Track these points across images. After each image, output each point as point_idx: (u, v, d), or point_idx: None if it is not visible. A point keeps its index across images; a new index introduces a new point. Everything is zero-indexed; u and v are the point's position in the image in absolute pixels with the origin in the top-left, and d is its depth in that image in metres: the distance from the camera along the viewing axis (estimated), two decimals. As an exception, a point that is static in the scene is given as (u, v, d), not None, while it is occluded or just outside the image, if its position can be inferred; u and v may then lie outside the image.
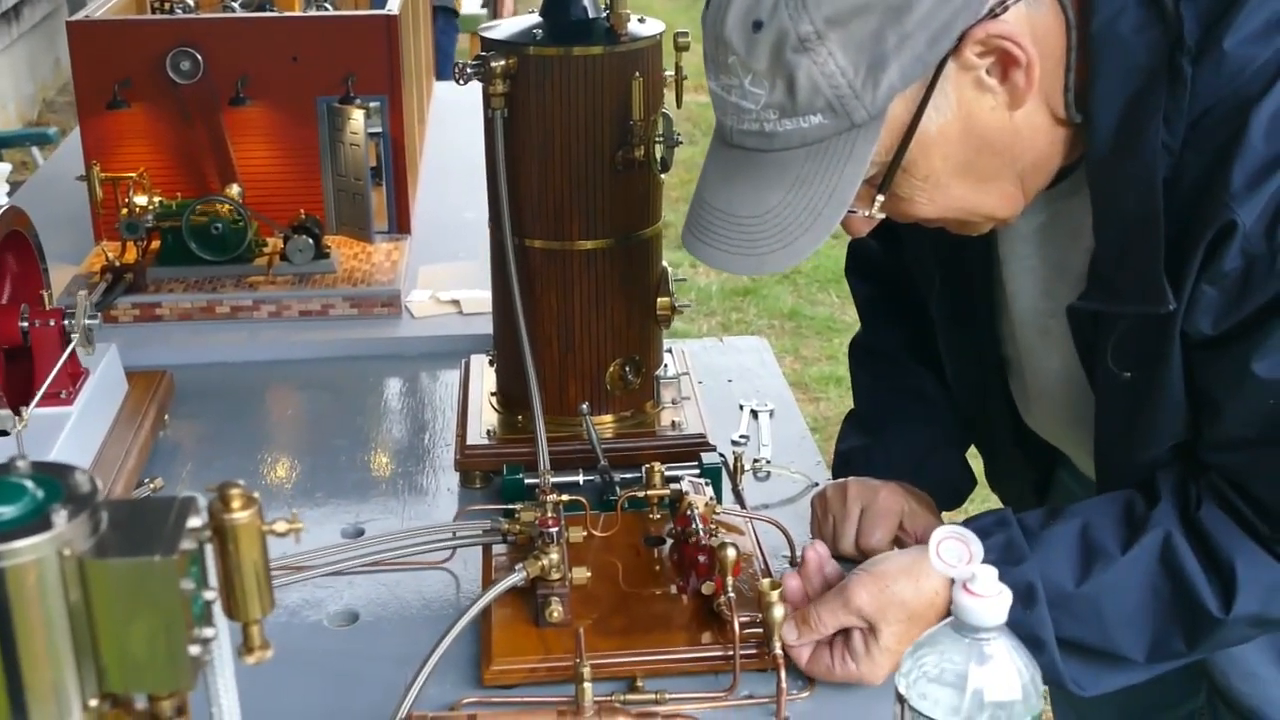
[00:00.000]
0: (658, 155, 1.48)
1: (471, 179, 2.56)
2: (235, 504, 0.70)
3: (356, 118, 2.03)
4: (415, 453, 1.66)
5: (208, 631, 0.68)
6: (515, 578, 1.25)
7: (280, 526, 0.72)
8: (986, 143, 1.11)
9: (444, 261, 2.17)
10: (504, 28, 1.51)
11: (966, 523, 1.17)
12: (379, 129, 2.14)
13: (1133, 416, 1.19)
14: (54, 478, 0.67)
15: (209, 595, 0.68)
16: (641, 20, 1.50)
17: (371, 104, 2.08)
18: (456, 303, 2.00)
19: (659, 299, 1.58)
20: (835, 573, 1.27)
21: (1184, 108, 1.06)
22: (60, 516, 0.63)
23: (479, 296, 2.00)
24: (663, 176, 1.52)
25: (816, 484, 1.57)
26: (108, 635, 0.66)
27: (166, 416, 1.68)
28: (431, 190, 2.45)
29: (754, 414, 1.73)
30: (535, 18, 1.52)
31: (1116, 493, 1.22)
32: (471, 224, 2.35)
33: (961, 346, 1.43)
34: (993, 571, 0.97)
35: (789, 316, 4.56)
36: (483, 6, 5.68)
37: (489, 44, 1.47)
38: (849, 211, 1.12)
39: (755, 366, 1.89)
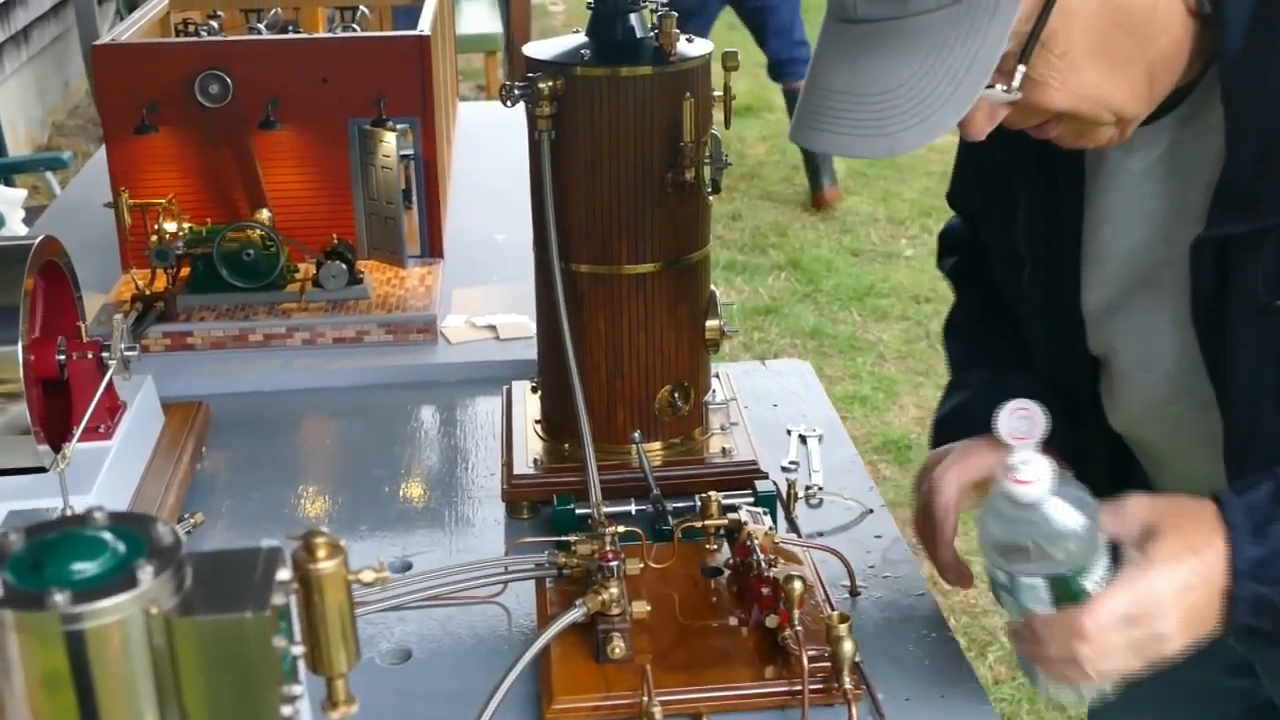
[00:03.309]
0: (707, 177, 1.44)
1: (500, 200, 2.55)
2: (321, 553, 0.67)
3: (389, 140, 2.00)
4: (457, 482, 1.63)
5: (296, 689, 0.65)
6: (576, 613, 1.21)
7: (367, 575, 0.69)
8: (1125, 17, 1.06)
9: (477, 285, 2.14)
10: (549, 48, 1.48)
11: (1233, 486, 1.12)
12: (408, 151, 2.11)
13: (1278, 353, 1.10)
14: (134, 530, 0.64)
15: (297, 650, 0.65)
16: (690, 40, 1.47)
17: (402, 126, 2.05)
18: (493, 328, 1.97)
19: (708, 323, 1.55)
20: None
21: None
22: (146, 573, 0.60)
23: (516, 321, 1.97)
24: (711, 199, 1.49)
25: (870, 510, 1.54)
26: (194, 696, 0.62)
27: (204, 449, 1.65)
28: (460, 212, 2.41)
29: (802, 439, 1.69)
30: (581, 37, 1.49)
31: None
32: (503, 246, 2.32)
33: (1054, 345, 1.36)
34: (1038, 458, 1.05)
35: (811, 335, 4.53)
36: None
37: (535, 64, 1.44)
38: (985, 88, 1.05)
39: (799, 390, 1.85)
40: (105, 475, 1.40)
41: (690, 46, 1.46)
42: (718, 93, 1.48)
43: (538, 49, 1.48)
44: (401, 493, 1.61)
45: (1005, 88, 1.07)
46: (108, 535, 0.63)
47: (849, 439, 1.72)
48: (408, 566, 1.44)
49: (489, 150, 2.85)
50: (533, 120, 1.45)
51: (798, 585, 1.20)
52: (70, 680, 0.60)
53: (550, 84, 1.41)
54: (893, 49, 1.04)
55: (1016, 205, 1.30)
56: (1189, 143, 1.15)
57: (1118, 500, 1.14)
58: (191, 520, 1.50)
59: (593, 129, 1.44)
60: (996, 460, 1.14)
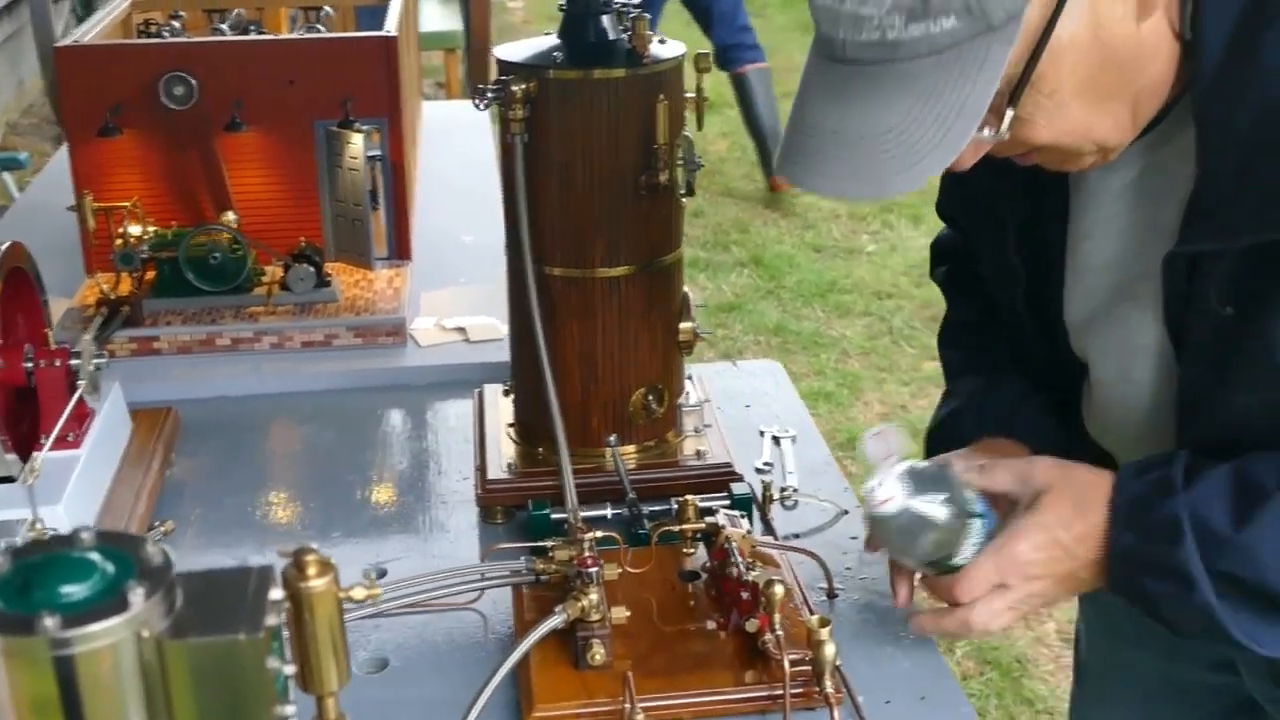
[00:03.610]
0: (681, 179, 1.44)
1: (466, 201, 2.54)
2: (311, 570, 0.66)
3: (356, 141, 1.98)
4: (430, 487, 1.61)
5: (288, 709, 0.64)
6: (556, 620, 1.21)
7: (358, 593, 0.68)
8: (1112, 55, 1.06)
9: (446, 287, 2.13)
10: (520, 50, 1.47)
11: (1138, 461, 1.17)
12: (375, 152, 2.09)
13: (1227, 360, 1.13)
14: (123, 550, 0.63)
15: (289, 670, 0.64)
16: (662, 41, 1.46)
17: (369, 127, 2.03)
18: (462, 330, 1.95)
19: (681, 325, 1.54)
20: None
21: None
22: (137, 595, 0.59)
23: (486, 323, 1.96)
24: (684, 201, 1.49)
25: (845, 511, 1.54)
26: (186, 719, 0.61)
27: (172, 455, 1.63)
28: (426, 213, 2.40)
29: (775, 440, 1.69)
30: (552, 39, 1.48)
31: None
32: (470, 248, 2.31)
33: (1047, 354, 1.37)
34: (891, 477, 1.17)
35: (775, 332, 4.53)
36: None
37: (508, 67, 1.43)
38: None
39: (771, 390, 1.85)
40: (74, 484, 1.38)
41: (663, 48, 1.45)
42: (689, 94, 1.48)
43: (509, 51, 1.47)
44: (373, 498, 1.60)
45: (994, 130, 1.07)
46: (96, 556, 0.62)
47: (822, 439, 1.72)
48: (383, 573, 1.43)
49: (452, 149, 2.84)
50: (505, 123, 1.44)
51: (779, 589, 1.20)
52: (59, 705, 0.58)
53: (523, 86, 1.41)
54: (882, 92, 1.04)
55: (1005, 223, 1.32)
56: (1165, 163, 1.16)
57: (1029, 460, 1.23)
58: (162, 529, 1.48)
59: (566, 131, 1.43)
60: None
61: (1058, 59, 1.04)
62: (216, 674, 0.60)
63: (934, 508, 1.19)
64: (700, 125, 1.52)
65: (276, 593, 0.63)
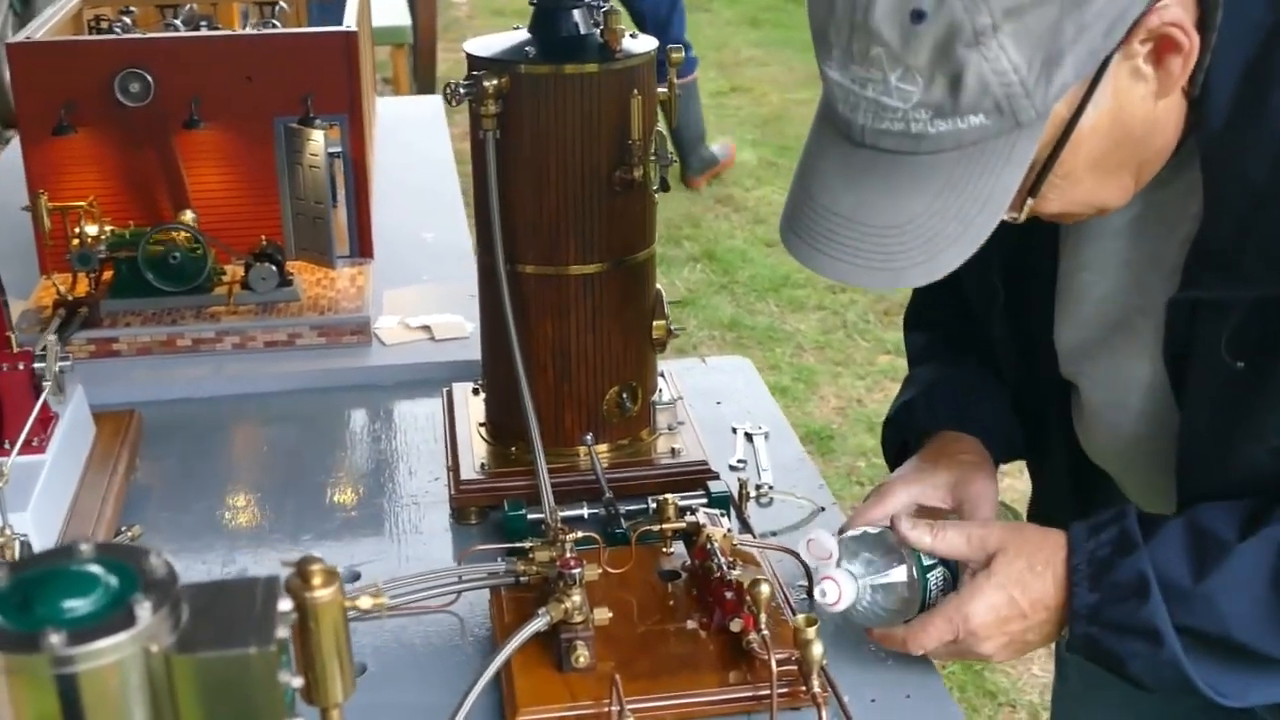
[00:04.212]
0: (655, 175, 1.43)
1: (422, 199, 2.52)
2: (316, 580, 0.65)
3: (316, 138, 1.96)
4: (400, 489, 1.59)
5: (298, 723, 0.62)
6: (539, 623, 1.19)
7: (365, 602, 0.66)
8: (1128, 133, 1.05)
9: (408, 285, 2.10)
10: (491, 44, 1.45)
11: (1089, 520, 1.16)
12: (336, 149, 2.07)
13: (1235, 411, 1.12)
14: (125, 561, 0.61)
15: (297, 683, 0.62)
16: (634, 36, 1.45)
17: (329, 123, 2.00)
18: (428, 328, 1.93)
19: (655, 322, 1.53)
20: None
21: None
22: (144, 608, 0.57)
23: (451, 321, 1.94)
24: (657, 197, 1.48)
25: (822, 508, 1.53)
26: (196, 738, 0.59)
27: (136, 459, 1.60)
28: (385, 211, 2.37)
29: (748, 437, 1.68)
30: (522, 34, 1.46)
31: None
32: (432, 246, 2.29)
33: (1023, 368, 1.38)
34: (831, 580, 1.21)
35: (729, 327, 4.53)
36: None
37: (479, 62, 1.41)
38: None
39: (741, 387, 1.84)
40: (41, 490, 1.35)
41: (635, 43, 1.44)
42: (664, 90, 1.47)
43: (480, 46, 1.45)
44: (343, 500, 1.57)
45: (1017, 217, 1.06)
46: (98, 569, 0.60)
47: (795, 436, 1.71)
48: (357, 576, 1.41)
49: (405, 146, 2.81)
50: (476, 119, 1.42)
51: (765, 589, 1.19)
52: (64, 725, 0.57)
53: (495, 82, 1.39)
54: (901, 182, 1.01)
55: (989, 245, 1.31)
56: (1166, 202, 1.15)
57: (980, 522, 1.25)
58: (129, 534, 1.46)
59: (538, 127, 1.41)
60: (947, 483, 1.32)
61: (1077, 146, 1.03)
62: (227, 688, 0.58)
63: (888, 577, 1.23)
64: (672, 121, 1.51)
65: (285, 603, 0.61)
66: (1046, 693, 2.80)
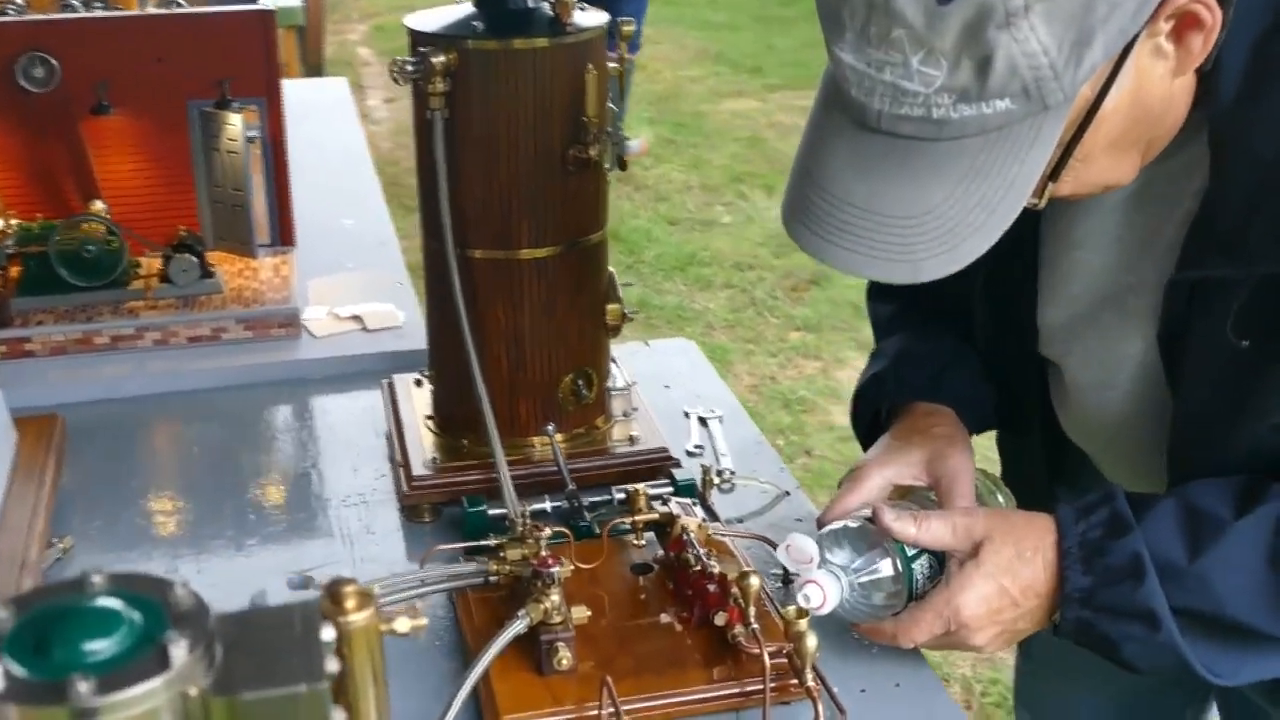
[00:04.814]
0: (611, 154, 1.37)
1: (336, 185, 2.43)
2: (350, 603, 0.58)
3: (234, 122, 1.87)
4: (344, 487, 1.52)
5: (342, 763, 0.56)
6: (519, 625, 1.13)
7: (402, 625, 0.61)
8: (1146, 112, 1.02)
9: (331, 274, 2.03)
10: (434, 19, 1.38)
11: (1076, 503, 1.13)
12: (254, 133, 1.98)
13: (1236, 390, 1.10)
14: (146, 594, 0.54)
15: (342, 717, 0.56)
16: (583, 8, 1.39)
17: (249, 107, 1.92)
18: (358, 319, 1.86)
19: (609, 306, 1.48)
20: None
21: None
22: (179, 647, 0.51)
23: (382, 310, 1.87)
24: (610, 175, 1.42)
25: (786, 493, 1.49)
26: (236, 786, 0.53)
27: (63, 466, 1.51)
28: (300, 199, 2.29)
29: (702, 421, 1.64)
30: (466, 7, 1.40)
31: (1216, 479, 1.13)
32: (352, 233, 2.22)
33: (1000, 347, 1.35)
34: (814, 583, 1.15)
35: (638, 307, 4.48)
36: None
37: (424, 38, 1.35)
38: None
39: (687, 369, 1.79)
40: (-31, 504, 1.26)
41: (586, 16, 1.38)
42: (614, 64, 1.41)
43: (422, 21, 1.38)
44: (284, 502, 1.50)
45: (1033, 204, 1.02)
46: (117, 603, 0.53)
47: (750, 418, 1.67)
48: (307, 582, 1.34)
49: (314, 132, 2.71)
50: (422, 98, 1.36)
51: (754, 581, 1.14)
52: (89, 782, 0.50)
53: (442, 59, 1.32)
54: (920, 171, 0.96)
55: None
56: (1167, 177, 1.12)
57: (963, 510, 1.20)
58: (61, 545, 1.37)
59: (488, 106, 1.35)
60: (922, 460, 1.27)
61: (1098, 126, 1.00)
62: (273, 733, 0.52)
63: (874, 574, 1.18)
64: (624, 95, 1.45)
65: (329, 632, 0.55)
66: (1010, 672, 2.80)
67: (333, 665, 0.54)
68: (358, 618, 0.59)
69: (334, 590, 0.58)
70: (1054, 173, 1.01)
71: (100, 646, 0.51)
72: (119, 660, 0.51)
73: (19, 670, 0.50)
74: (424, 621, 0.61)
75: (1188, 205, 1.10)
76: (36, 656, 0.51)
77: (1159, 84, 1.01)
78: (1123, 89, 0.99)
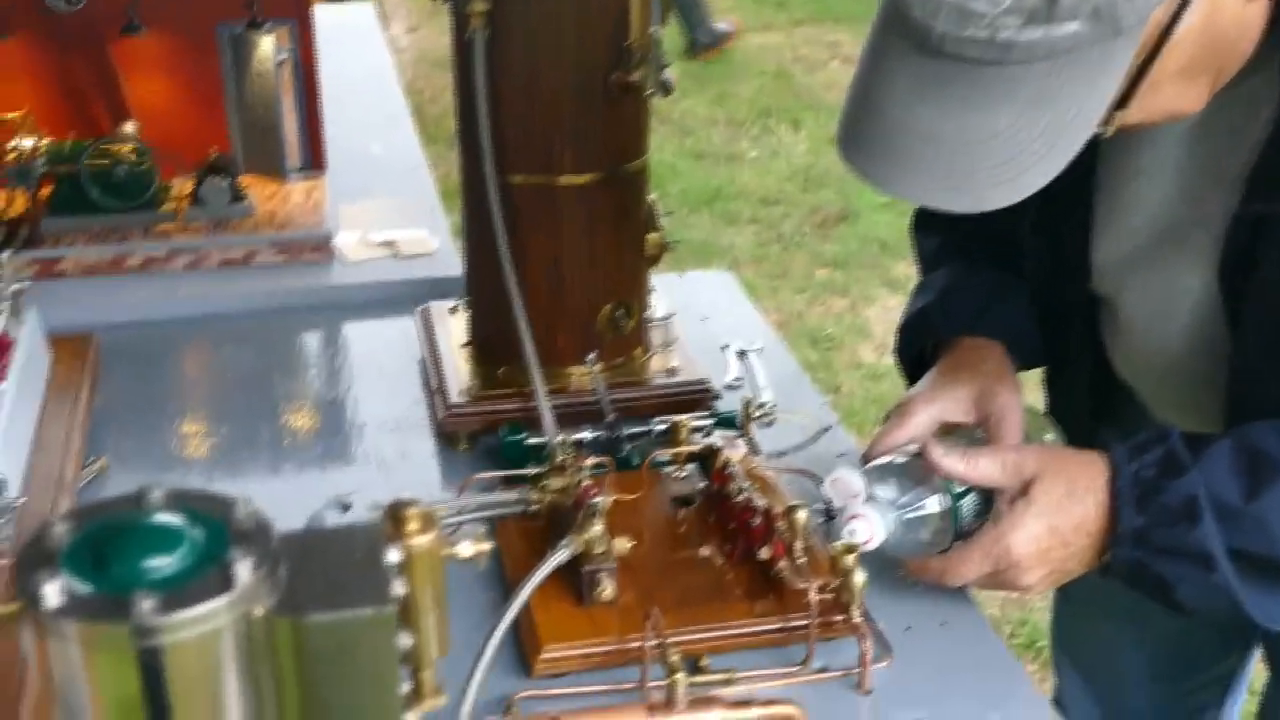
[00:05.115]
0: (654, 78, 1.34)
1: (365, 111, 2.40)
2: (413, 525, 0.57)
3: (265, 44, 1.84)
4: (380, 414, 1.50)
5: (405, 687, 0.55)
6: (563, 555, 1.12)
7: (466, 549, 0.59)
8: (1216, 38, 0.98)
9: (362, 200, 2.00)
10: (477, -63, 1.34)
11: (1129, 442, 1.10)
12: (284, 56, 1.95)
13: None
14: (208, 511, 0.52)
15: (407, 641, 0.54)
16: (628, -76, 1.36)
17: (279, 27, 1.89)
18: (391, 244, 1.84)
19: (649, 235, 1.45)
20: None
21: None
22: (243, 566, 0.49)
23: (416, 236, 1.84)
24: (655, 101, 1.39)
25: (828, 427, 1.47)
26: (300, 712, 0.51)
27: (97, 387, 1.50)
28: (329, 124, 2.26)
29: (740, 355, 1.61)
30: (508, -75, 1.36)
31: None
32: (381, 159, 2.19)
33: (1050, 281, 1.32)
34: (860, 518, 1.13)
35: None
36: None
37: (467, -44, 1.31)
38: None
39: (726, 302, 1.77)
40: (5, 422, 1.25)
41: (631, -66, 1.34)
42: (659, -14, 1.38)
43: (464, -61, 1.34)
44: (321, 427, 1.49)
45: (1101, 132, 0.98)
46: (178, 519, 0.52)
47: (789, 352, 1.65)
48: (347, 507, 1.33)
49: (342, 57, 2.67)
50: (462, 18, 1.33)
51: (802, 515, 1.12)
52: (147, 703, 0.48)
53: (485, -23, 1.29)
54: (986, 96, 0.93)
55: None
56: (1232, 108, 1.09)
57: (1014, 447, 1.19)
58: (96, 465, 1.36)
59: (530, 27, 1.32)
60: (970, 397, 1.25)
61: (1169, 52, 0.96)
62: (339, 656, 0.51)
63: (921, 510, 1.16)
64: (664, 21, 1.42)
65: (394, 554, 0.53)
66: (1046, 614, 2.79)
67: (399, 588, 0.52)
68: (422, 540, 0.57)
69: (397, 512, 0.56)
70: (1122, 100, 0.98)
71: (162, 563, 0.49)
72: (181, 578, 0.49)
73: (79, 585, 0.48)
74: (488, 546, 0.59)
75: (1256, 136, 1.07)
76: (96, 572, 0.49)
77: (1231, 7, 0.98)
78: (1196, 13, 0.95)
